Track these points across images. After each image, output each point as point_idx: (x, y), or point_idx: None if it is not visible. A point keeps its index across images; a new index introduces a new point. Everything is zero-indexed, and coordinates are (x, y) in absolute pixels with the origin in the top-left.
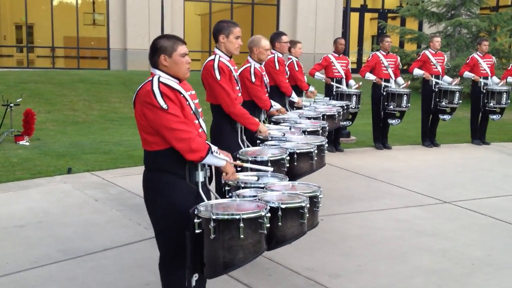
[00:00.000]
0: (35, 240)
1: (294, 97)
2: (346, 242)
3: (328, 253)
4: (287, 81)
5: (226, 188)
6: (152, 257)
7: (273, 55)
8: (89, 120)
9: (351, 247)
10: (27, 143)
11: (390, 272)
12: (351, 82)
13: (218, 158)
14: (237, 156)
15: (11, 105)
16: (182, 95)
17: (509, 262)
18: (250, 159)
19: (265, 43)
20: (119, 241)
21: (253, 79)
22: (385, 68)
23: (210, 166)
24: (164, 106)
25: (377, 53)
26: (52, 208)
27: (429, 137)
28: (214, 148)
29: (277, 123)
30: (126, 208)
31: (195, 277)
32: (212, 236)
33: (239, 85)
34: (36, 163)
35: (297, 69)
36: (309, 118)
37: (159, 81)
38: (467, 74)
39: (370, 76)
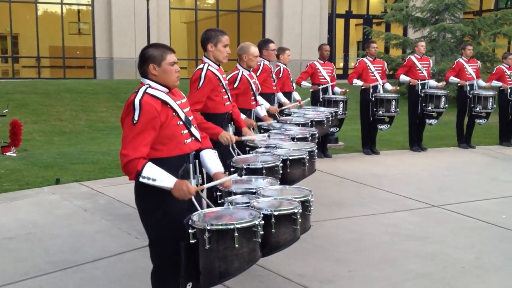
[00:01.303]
0: (25, 252)
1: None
2: (337, 248)
3: (319, 259)
4: (274, 88)
5: (218, 193)
6: (143, 267)
7: (259, 63)
8: (76, 130)
9: (341, 253)
10: (14, 154)
11: (381, 277)
12: (337, 89)
13: (152, 183)
14: (231, 164)
15: None
16: (169, 106)
17: (498, 265)
18: (244, 166)
19: (254, 50)
20: (109, 251)
21: (235, 85)
22: (372, 74)
23: (201, 173)
24: (135, 120)
25: (364, 59)
26: (41, 219)
27: (416, 142)
28: (148, 174)
29: (266, 130)
30: (116, 217)
31: (189, 286)
32: (207, 246)
33: (228, 93)
34: (24, 174)
35: (280, 76)
36: (297, 125)
37: (144, 92)
38: (452, 79)
39: (357, 82)
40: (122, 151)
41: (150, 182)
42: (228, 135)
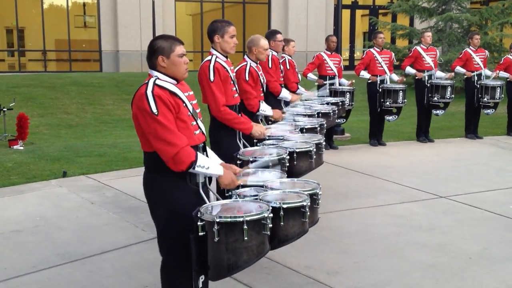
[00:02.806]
0: (33, 245)
1: (284, 96)
2: (343, 239)
3: (325, 250)
4: (282, 79)
5: None
6: (150, 259)
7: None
8: (83, 123)
9: (348, 244)
10: (22, 148)
11: (388, 268)
12: (343, 81)
13: (205, 171)
14: (238, 156)
15: (4, 109)
16: (178, 97)
17: (505, 255)
18: (250, 159)
19: (264, 42)
20: (117, 243)
21: (247, 78)
22: (379, 65)
23: None
24: (155, 111)
25: (371, 50)
26: (48, 212)
27: (423, 133)
28: (202, 162)
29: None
30: (123, 210)
31: (201, 278)
32: (216, 238)
33: (236, 85)
34: (31, 167)
35: (288, 68)
36: (304, 116)
37: (154, 84)
38: (458, 69)
39: (364, 75)
40: (166, 142)
41: (203, 170)
42: (262, 128)
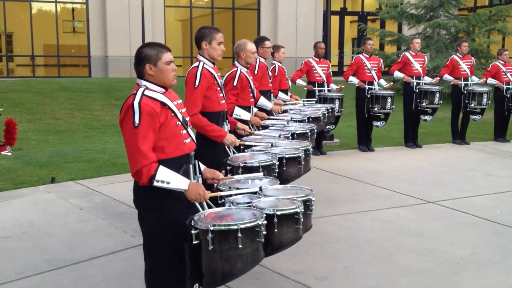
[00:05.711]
0: (20, 251)
1: (262, 104)
2: (332, 244)
3: (315, 255)
4: (270, 85)
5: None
6: (139, 265)
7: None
8: (71, 129)
9: (337, 249)
10: (9, 153)
11: (376, 273)
12: (332, 86)
13: (166, 186)
14: (228, 162)
15: None
16: (168, 107)
17: (493, 260)
18: (241, 165)
19: (251, 46)
20: (105, 249)
21: (235, 83)
22: (368, 71)
23: (201, 173)
24: (136, 122)
25: (360, 56)
26: (36, 218)
27: (411, 138)
28: (162, 177)
29: (265, 127)
30: (111, 216)
31: (196, 287)
32: (210, 247)
33: (223, 91)
34: (19, 173)
35: (276, 74)
36: (295, 122)
37: (142, 95)
38: (446, 77)
39: (353, 80)
40: (132, 158)
41: (164, 185)
42: (233, 137)
